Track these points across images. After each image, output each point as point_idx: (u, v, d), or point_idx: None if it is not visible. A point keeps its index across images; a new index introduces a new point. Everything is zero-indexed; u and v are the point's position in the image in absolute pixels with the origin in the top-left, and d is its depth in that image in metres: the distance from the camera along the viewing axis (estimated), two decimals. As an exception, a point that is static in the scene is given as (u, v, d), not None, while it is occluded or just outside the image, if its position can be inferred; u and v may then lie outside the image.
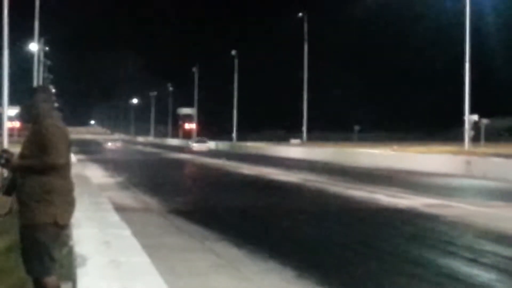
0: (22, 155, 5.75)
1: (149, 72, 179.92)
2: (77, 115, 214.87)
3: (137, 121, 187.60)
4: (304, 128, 73.55)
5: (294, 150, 60.38)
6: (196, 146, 74.51)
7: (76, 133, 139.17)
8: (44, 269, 5.59)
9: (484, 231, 13.47)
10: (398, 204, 18.42)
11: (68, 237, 7.76)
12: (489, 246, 11.68)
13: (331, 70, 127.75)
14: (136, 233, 8.47)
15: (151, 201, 19.24)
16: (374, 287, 8.84)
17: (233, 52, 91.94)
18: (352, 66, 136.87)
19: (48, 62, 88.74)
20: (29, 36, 57.32)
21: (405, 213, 16.72)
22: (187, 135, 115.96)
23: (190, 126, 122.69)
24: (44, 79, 71.83)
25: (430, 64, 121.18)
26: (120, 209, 14.18)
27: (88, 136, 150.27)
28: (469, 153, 39.65)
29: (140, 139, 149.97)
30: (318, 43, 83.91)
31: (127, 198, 20.04)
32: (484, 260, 10.42)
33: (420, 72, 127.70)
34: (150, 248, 8.55)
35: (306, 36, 72.35)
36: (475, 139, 50.89)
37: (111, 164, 41.44)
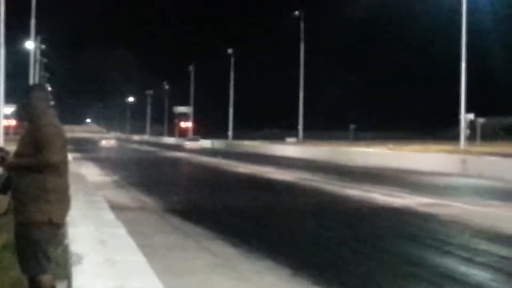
0: (17, 154, 5.74)
1: (145, 70, 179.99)
2: (73, 113, 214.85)
3: (133, 120, 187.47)
4: (300, 127, 73.52)
5: (290, 148, 60.40)
6: (189, 144, 79.00)
7: (72, 131, 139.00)
8: (40, 267, 5.58)
9: (480, 230, 13.48)
10: (393, 203, 18.43)
11: (64, 235, 7.74)
12: (485, 245, 11.69)
13: (328, 68, 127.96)
14: (131, 232, 8.45)
15: (147, 200, 19.23)
16: (370, 286, 8.84)
17: (230, 51, 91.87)
18: (349, 65, 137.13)
19: (45, 60, 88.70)
20: (26, 34, 57.29)
21: (401, 212, 16.73)
22: (183, 133, 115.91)
23: (186, 124, 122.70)
24: (40, 77, 71.76)
25: (428, 63, 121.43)
26: (115, 207, 14.17)
27: (84, 135, 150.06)
28: (465, 152, 39.70)
29: (136, 137, 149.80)
30: (316, 41, 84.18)
31: (123, 196, 20.03)
32: (480, 259, 10.43)
33: (417, 71, 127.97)
34: (146, 247, 8.54)
35: (302, 35, 72.34)
36: (471, 138, 50.95)
37: (107, 162, 41.41)
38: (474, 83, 51.72)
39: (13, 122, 63.42)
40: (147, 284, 5.55)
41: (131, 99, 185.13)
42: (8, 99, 34.74)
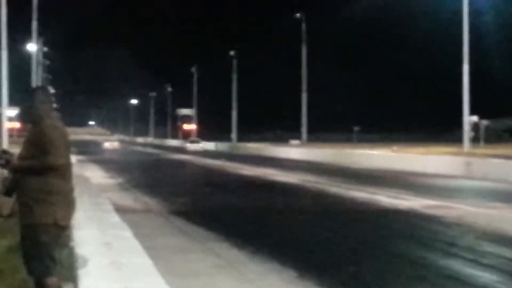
0: (21, 156, 5.74)
1: (149, 72, 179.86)
2: (76, 116, 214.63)
3: (137, 122, 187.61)
4: (304, 129, 73.46)
5: (293, 151, 60.37)
6: (190, 146, 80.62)
7: (75, 133, 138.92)
8: (45, 269, 5.59)
9: (485, 232, 13.45)
10: (398, 205, 18.41)
11: (69, 238, 7.75)
12: (490, 247, 11.67)
13: (330, 70, 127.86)
14: (136, 234, 8.47)
15: (152, 202, 19.23)
16: (374, 288, 8.84)
17: (232, 53, 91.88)
18: (352, 66, 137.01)
19: (47, 62, 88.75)
20: (28, 36, 57.32)
21: (406, 214, 16.71)
22: (187, 135, 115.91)
23: (190, 126, 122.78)
24: (42, 79, 71.80)
25: (431, 64, 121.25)
26: (120, 210, 14.19)
27: (87, 137, 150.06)
28: (468, 154, 39.64)
29: (140, 139, 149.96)
30: (317, 43, 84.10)
31: (128, 199, 20.03)
32: (485, 261, 10.41)
33: (421, 73, 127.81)
34: (151, 249, 8.55)
35: (304, 36, 72.31)
36: (475, 140, 50.89)
37: (111, 164, 41.44)
38: (478, 85, 51.69)
39: (17, 125, 63.48)
40: (152, 286, 5.56)
41: (134, 101, 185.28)
42: (11, 101, 34.76)
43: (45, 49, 77.25)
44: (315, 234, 13.64)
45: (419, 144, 67.33)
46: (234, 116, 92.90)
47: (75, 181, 5.94)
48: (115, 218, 10.01)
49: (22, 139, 6.32)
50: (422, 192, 22.15)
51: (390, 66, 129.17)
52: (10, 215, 5.88)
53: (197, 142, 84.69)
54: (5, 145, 28.22)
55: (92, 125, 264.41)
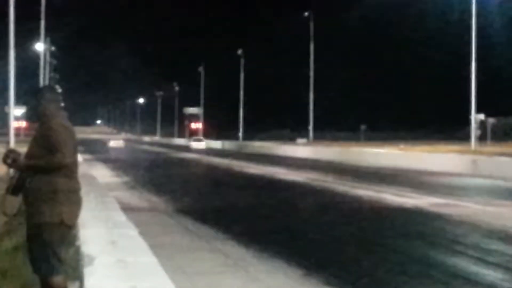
0: (28, 155, 5.75)
1: (156, 71, 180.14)
2: (83, 114, 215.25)
3: (144, 121, 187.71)
4: (311, 127, 73.39)
5: (300, 149, 60.33)
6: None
7: (82, 132, 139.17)
8: (51, 268, 5.60)
9: (491, 230, 13.43)
10: (404, 204, 18.40)
11: (75, 237, 7.76)
12: (496, 245, 11.66)
13: (337, 69, 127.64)
14: (143, 233, 8.46)
15: (158, 201, 19.25)
16: (380, 286, 8.82)
17: (239, 52, 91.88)
18: (359, 65, 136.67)
19: (54, 62, 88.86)
20: (35, 35, 57.40)
21: (412, 212, 16.70)
22: (194, 134, 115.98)
23: (196, 125, 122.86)
24: (50, 78, 71.92)
25: (438, 62, 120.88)
26: (127, 208, 14.19)
27: (94, 136, 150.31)
28: (475, 152, 39.58)
29: (147, 138, 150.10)
30: (324, 42, 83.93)
31: (134, 197, 20.07)
32: (491, 259, 10.40)
33: (428, 71, 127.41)
34: (157, 248, 8.55)
35: (312, 35, 72.28)
36: (481, 138, 50.76)
37: (117, 163, 41.49)
38: (485, 83, 51.55)
39: (23, 124, 63.66)
40: (158, 285, 5.56)
41: (141, 100, 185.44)
42: (18, 100, 34.81)
43: (53, 48, 77.32)
44: (321, 232, 13.63)
45: (426, 142, 67.29)
46: (240, 114, 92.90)
47: (81, 180, 5.95)
48: (121, 216, 10.00)
49: (29, 138, 6.34)
50: (429, 190, 22.13)
51: (397, 64, 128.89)
52: (16, 214, 5.89)
53: (200, 140, 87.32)
54: (12, 144, 28.27)
55: (99, 124, 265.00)
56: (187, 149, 77.27)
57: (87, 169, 25.03)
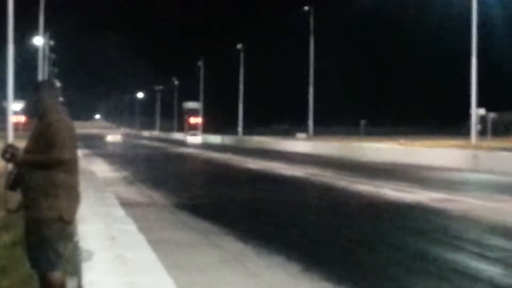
0: (27, 150, 5.72)
1: (155, 66, 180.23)
2: (82, 109, 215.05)
3: (143, 116, 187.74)
4: (310, 122, 73.36)
5: (300, 144, 60.32)
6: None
7: (81, 127, 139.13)
8: (50, 264, 5.57)
9: (491, 226, 13.41)
10: (404, 199, 18.37)
11: (73, 232, 7.74)
12: (496, 241, 11.64)
13: (337, 63, 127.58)
14: (141, 228, 8.45)
15: (157, 196, 19.22)
16: (380, 282, 8.79)
17: (239, 46, 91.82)
18: (359, 59, 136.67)
19: (53, 56, 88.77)
20: (34, 29, 57.33)
21: (412, 207, 16.67)
22: (193, 129, 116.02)
23: (196, 120, 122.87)
24: (49, 73, 71.88)
25: (439, 57, 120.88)
26: (125, 204, 14.18)
27: (93, 131, 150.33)
28: (476, 147, 39.56)
29: (146, 133, 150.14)
30: (324, 36, 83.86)
31: (133, 193, 20.03)
32: (491, 254, 10.37)
33: (428, 65, 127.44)
34: (156, 243, 8.53)
35: (312, 29, 72.21)
36: (482, 133, 50.75)
37: (116, 158, 41.47)
38: (485, 78, 51.49)
39: (22, 119, 63.63)
40: (157, 280, 5.54)
41: (140, 95, 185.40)
42: (17, 95, 34.80)
43: (52, 42, 77.22)
44: (320, 227, 13.61)
45: (426, 137, 67.31)
46: (240, 109, 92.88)
47: (80, 176, 5.92)
48: (120, 212, 9.98)
49: (27, 133, 6.31)
50: (429, 185, 22.11)
51: (398, 59, 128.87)
52: (18, 210, 5.85)
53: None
54: (11, 139, 28.25)
55: (98, 119, 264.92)
56: (184, 143, 77.43)
57: (86, 164, 25.03)
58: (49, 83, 6.31)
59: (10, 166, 5.83)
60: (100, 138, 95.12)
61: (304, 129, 77.53)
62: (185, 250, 10.60)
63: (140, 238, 7.56)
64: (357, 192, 20.47)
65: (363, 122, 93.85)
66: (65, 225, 5.70)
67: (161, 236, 11.44)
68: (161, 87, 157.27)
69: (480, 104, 46.95)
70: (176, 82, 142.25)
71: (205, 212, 15.28)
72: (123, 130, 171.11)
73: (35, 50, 59.03)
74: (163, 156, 48.63)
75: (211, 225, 13.35)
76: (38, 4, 53.04)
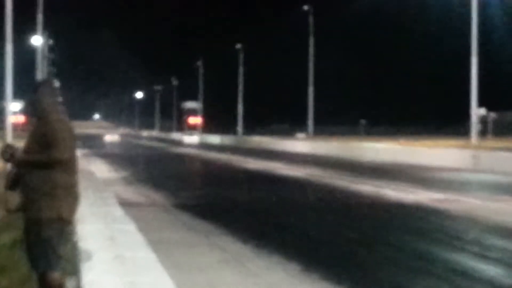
0: (26, 150, 5.71)
1: (154, 66, 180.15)
2: (81, 109, 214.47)
3: (142, 115, 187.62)
4: (310, 122, 73.30)
5: (299, 144, 60.27)
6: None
7: (80, 127, 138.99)
8: (49, 264, 5.56)
9: (491, 226, 13.40)
10: (404, 199, 18.35)
11: (72, 232, 7.72)
12: (497, 241, 11.62)
13: (337, 63, 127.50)
14: (141, 228, 8.44)
15: (156, 196, 19.19)
16: (380, 282, 8.77)
17: (238, 46, 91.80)
18: (359, 59, 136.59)
19: (52, 56, 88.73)
20: (33, 29, 57.26)
21: (412, 207, 16.65)
22: (192, 129, 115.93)
23: (195, 120, 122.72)
24: (48, 73, 71.83)
25: (439, 57, 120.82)
26: (125, 204, 14.16)
27: (92, 131, 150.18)
28: (476, 147, 39.51)
29: (145, 133, 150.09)
30: (324, 36, 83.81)
31: (132, 193, 20.00)
32: (491, 254, 10.35)
33: (428, 65, 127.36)
34: (155, 243, 8.51)
35: (312, 29, 72.17)
36: (482, 133, 50.71)
37: (115, 159, 41.45)
38: (486, 77, 51.47)
39: (21, 119, 63.56)
40: (156, 280, 5.52)
41: (139, 94, 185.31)
42: (16, 95, 34.80)
43: (50, 42, 77.16)
44: (320, 227, 13.59)
45: (426, 137, 67.25)
46: (240, 109, 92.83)
47: (80, 176, 5.89)
48: (119, 212, 9.98)
49: (26, 133, 6.29)
50: (429, 186, 22.09)
51: (397, 59, 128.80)
52: (18, 210, 5.83)
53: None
54: (10, 139, 28.24)
55: (97, 119, 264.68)
56: (182, 143, 77.58)
57: (85, 164, 25.02)
58: (47, 82, 6.29)
59: (9, 166, 5.81)
60: (99, 138, 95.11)
61: (304, 129, 77.45)
62: (184, 250, 10.58)
63: (139, 238, 7.55)
64: (357, 192, 20.44)
65: (363, 122, 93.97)
66: (64, 225, 5.69)
67: (160, 236, 11.41)
68: (160, 87, 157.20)
69: (480, 104, 46.85)
70: (175, 82, 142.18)
71: (205, 212, 15.25)
72: (122, 130, 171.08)
73: (33, 50, 59.00)
74: (163, 156, 48.61)
75: (211, 225, 13.33)
76: (36, 4, 53.03)
